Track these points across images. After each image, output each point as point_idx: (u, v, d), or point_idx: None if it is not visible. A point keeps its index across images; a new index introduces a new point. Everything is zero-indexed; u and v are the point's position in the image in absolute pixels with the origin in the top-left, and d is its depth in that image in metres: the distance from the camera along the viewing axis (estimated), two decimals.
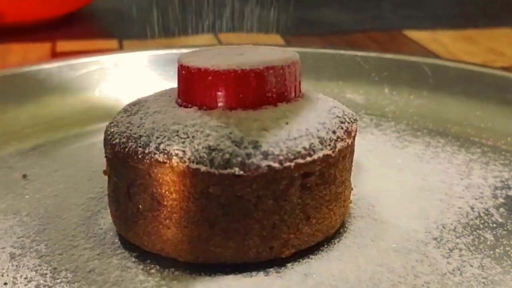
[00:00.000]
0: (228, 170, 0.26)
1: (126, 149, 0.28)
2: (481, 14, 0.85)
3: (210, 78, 0.28)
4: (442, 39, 0.71)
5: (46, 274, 0.28)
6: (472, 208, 0.34)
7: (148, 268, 0.28)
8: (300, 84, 0.30)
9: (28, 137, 0.43)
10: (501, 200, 0.35)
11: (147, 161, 0.27)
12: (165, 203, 0.27)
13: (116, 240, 0.30)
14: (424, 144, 0.42)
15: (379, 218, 0.32)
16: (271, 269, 0.28)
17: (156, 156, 0.27)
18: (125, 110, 0.31)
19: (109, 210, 0.31)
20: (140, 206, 0.28)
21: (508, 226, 0.32)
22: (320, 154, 0.28)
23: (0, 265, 0.29)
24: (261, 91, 0.28)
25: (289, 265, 0.28)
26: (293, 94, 0.30)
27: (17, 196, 0.35)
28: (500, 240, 0.31)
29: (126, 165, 0.28)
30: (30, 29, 0.70)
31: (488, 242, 0.31)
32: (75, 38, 0.70)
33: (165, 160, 0.27)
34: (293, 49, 0.33)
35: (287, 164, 0.27)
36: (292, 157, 0.27)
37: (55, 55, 0.63)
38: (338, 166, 0.29)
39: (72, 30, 0.74)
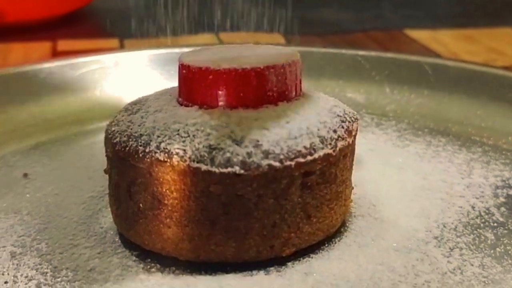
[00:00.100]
0: (229, 169, 0.26)
1: (127, 148, 0.28)
2: (482, 14, 0.85)
3: (211, 77, 0.28)
4: (442, 39, 0.71)
5: (46, 272, 0.28)
6: (473, 207, 0.34)
7: (148, 267, 0.28)
8: (300, 83, 0.30)
9: (29, 136, 0.43)
10: (502, 199, 0.35)
11: (148, 160, 0.27)
12: (165, 202, 0.27)
13: (117, 239, 0.30)
14: (425, 143, 0.42)
15: (380, 217, 0.32)
16: (271, 268, 0.28)
17: (157, 155, 0.27)
18: (126, 109, 0.31)
19: (109, 209, 0.31)
20: (141, 205, 0.28)
21: (509, 225, 0.32)
22: (321, 153, 0.28)
23: (0, 264, 0.29)
24: (261, 90, 0.28)
25: (289, 264, 0.28)
26: (293, 93, 0.30)
27: (17, 195, 0.35)
28: (501, 239, 0.31)
29: (126, 164, 0.28)
30: (31, 28, 0.70)
31: (489, 241, 0.31)
32: (76, 37, 0.70)
33: (166, 159, 0.27)
34: (294, 48, 0.33)
35: (288, 163, 0.27)
36: (293, 156, 0.27)
37: (56, 54, 0.63)
38: (339, 165, 0.29)
39: (73, 29, 0.74)
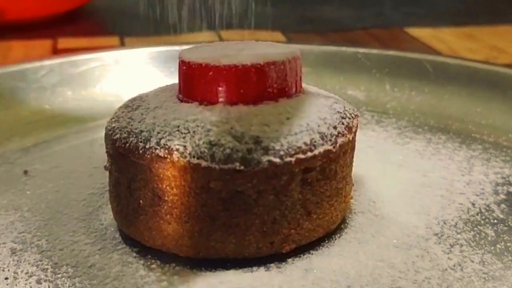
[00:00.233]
0: (229, 165, 0.26)
1: (127, 144, 0.28)
2: (483, 11, 0.84)
3: (211, 73, 0.28)
4: (443, 37, 0.71)
5: (47, 269, 0.28)
6: (473, 204, 0.34)
7: (149, 263, 0.28)
8: (301, 80, 0.30)
9: (29, 133, 0.43)
10: (502, 196, 0.35)
11: (148, 156, 0.27)
12: (166, 198, 0.27)
13: (117, 236, 0.30)
14: (425, 141, 0.42)
15: (380, 214, 0.32)
16: (271, 264, 0.28)
17: (157, 151, 0.27)
18: (126, 105, 0.31)
19: (110, 206, 0.31)
20: (141, 201, 0.28)
21: (509, 222, 0.32)
22: (321, 149, 0.28)
23: (1, 260, 0.29)
24: (262, 87, 0.28)
25: (289, 260, 0.28)
26: (294, 90, 0.30)
27: (18, 192, 0.35)
28: (501, 236, 0.31)
29: (127, 160, 0.28)
30: (32, 26, 0.70)
31: (489, 238, 0.31)
32: (77, 35, 0.70)
33: (166, 155, 0.27)
34: (294, 45, 0.33)
35: (288, 159, 0.27)
36: (293, 152, 0.27)
37: (57, 52, 0.63)
38: (339, 162, 0.29)
39: (73, 27, 0.74)
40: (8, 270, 0.28)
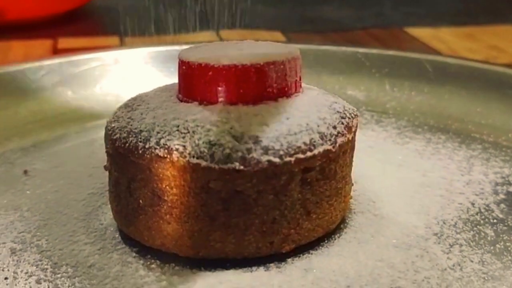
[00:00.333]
0: (229, 165, 0.26)
1: (127, 144, 0.28)
2: (483, 11, 0.84)
3: (210, 73, 0.28)
4: (443, 36, 0.71)
5: (46, 269, 0.28)
6: (472, 204, 0.34)
7: (148, 263, 0.28)
8: (300, 79, 0.30)
9: (29, 133, 0.43)
10: (501, 196, 0.35)
11: (148, 156, 0.27)
12: (165, 198, 0.27)
13: (117, 235, 0.30)
14: (425, 141, 0.42)
15: (380, 213, 0.32)
16: (271, 264, 0.28)
17: (157, 151, 0.27)
18: (125, 105, 0.31)
19: (109, 206, 0.31)
20: (141, 201, 0.28)
21: (509, 222, 0.32)
22: (321, 149, 0.28)
23: (1, 260, 0.29)
24: (261, 86, 0.28)
25: (289, 260, 0.28)
26: (293, 89, 0.30)
27: (18, 192, 0.35)
28: (501, 235, 0.31)
29: (126, 160, 0.28)
30: (32, 26, 0.70)
31: (489, 238, 0.31)
32: (77, 35, 0.70)
33: (166, 155, 0.27)
34: (294, 45, 0.33)
35: (288, 159, 0.27)
36: (293, 152, 0.27)
37: (57, 52, 0.63)
38: (339, 161, 0.29)
39: (73, 27, 0.74)
40: (8, 270, 0.28)
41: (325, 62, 0.52)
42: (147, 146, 0.27)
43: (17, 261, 0.29)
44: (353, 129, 0.30)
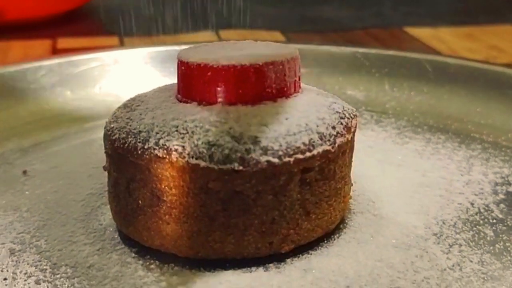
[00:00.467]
0: (228, 166, 0.26)
1: (126, 145, 0.28)
2: (482, 11, 0.84)
3: (209, 73, 0.28)
4: (443, 36, 0.71)
5: (46, 269, 0.28)
6: (472, 204, 0.34)
7: (147, 263, 0.28)
8: (299, 80, 0.30)
9: (28, 133, 0.43)
10: (501, 196, 0.35)
11: (147, 156, 0.27)
12: (164, 198, 0.27)
13: (116, 236, 0.30)
14: (425, 141, 0.42)
15: (379, 214, 0.32)
16: (270, 265, 0.28)
17: (156, 151, 0.27)
18: (124, 105, 0.31)
19: (108, 206, 0.31)
20: (140, 202, 0.28)
21: (508, 222, 0.32)
22: (320, 149, 0.28)
23: (0, 261, 0.29)
24: (260, 87, 0.28)
25: (288, 260, 0.28)
26: (292, 90, 0.30)
27: (17, 192, 0.35)
28: (500, 235, 0.31)
29: (125, 160, 0.28)
30: (31, 26, 0.70)
31: (488, 238, 0.31)
32: (76, 35, 0.70)
33: (165, 156, 0.27)
34: (294, 45, 0.33)
35: (287, 159, 0.27)
36: (292, 152, 0.27)
37: (56, 52, 0.63)
38: (338, 162, 0.29)
39: (72, 27, 0.74)
40: (7, 271, 0.28)
41: (324, 62, 0.52)
42: (146, 146, 0.27)
43: (16, 261, 0.29)
44: (352, 129, 0.30)
